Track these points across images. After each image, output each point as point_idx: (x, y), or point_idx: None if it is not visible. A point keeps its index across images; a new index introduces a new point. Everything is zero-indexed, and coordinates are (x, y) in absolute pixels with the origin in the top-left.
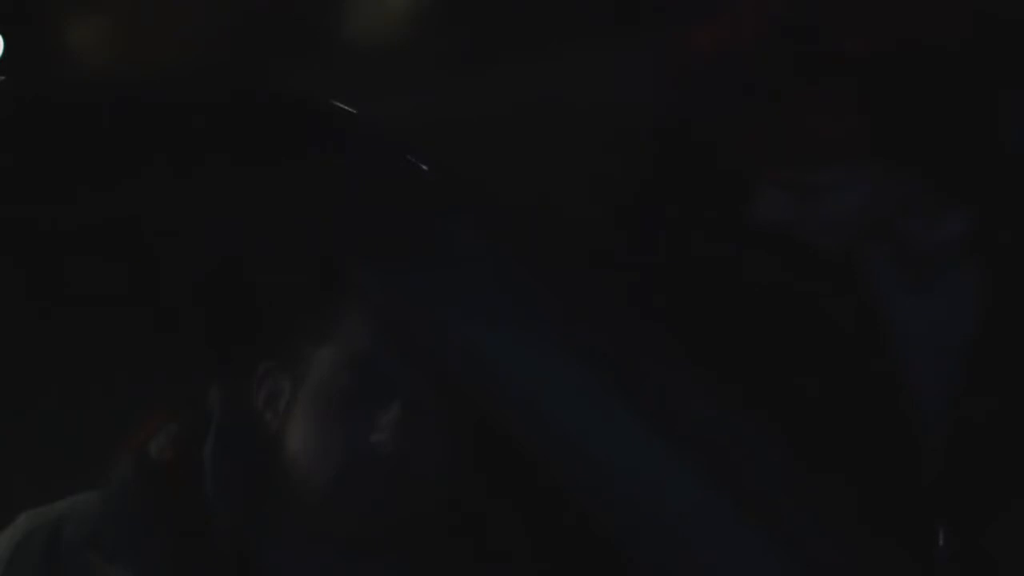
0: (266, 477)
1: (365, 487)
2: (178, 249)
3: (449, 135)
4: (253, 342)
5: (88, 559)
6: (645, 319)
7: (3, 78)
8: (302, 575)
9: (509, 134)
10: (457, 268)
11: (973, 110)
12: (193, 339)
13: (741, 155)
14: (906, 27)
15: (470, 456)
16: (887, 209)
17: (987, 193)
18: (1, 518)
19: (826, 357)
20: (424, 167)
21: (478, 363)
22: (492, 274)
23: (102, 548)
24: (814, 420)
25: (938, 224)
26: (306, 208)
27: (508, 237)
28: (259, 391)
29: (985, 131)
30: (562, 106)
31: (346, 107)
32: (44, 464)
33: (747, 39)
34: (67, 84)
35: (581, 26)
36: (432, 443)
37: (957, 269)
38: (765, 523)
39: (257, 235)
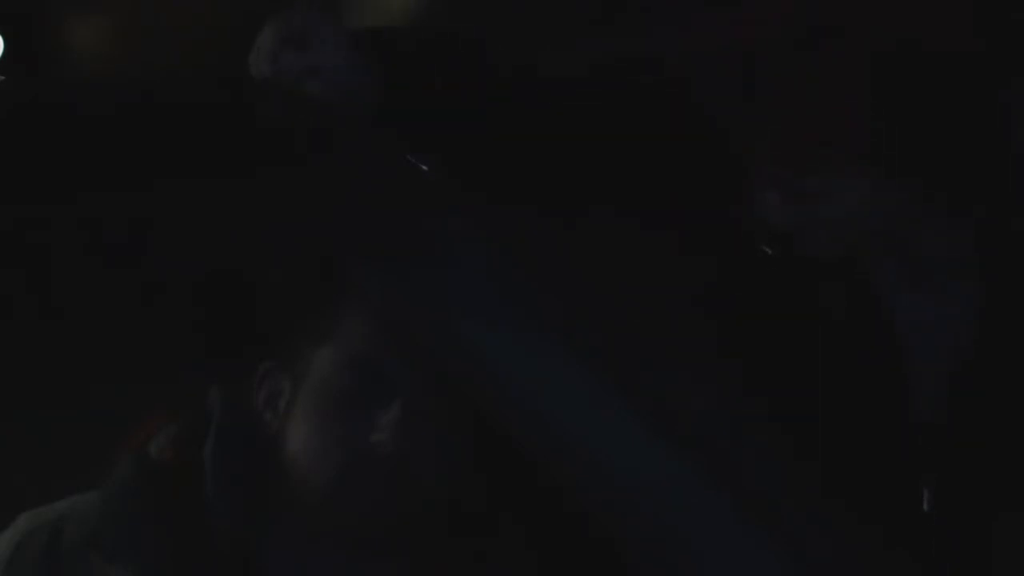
0: (266, 477)
1: (365, 487)
2: (178, 249)
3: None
4: (253, 342)
5: (88, 559)
6: (645, 319)
7: (3, 78)
8: (302, 575)
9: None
10: (457, 268)
11: (975, 113)
12: (193, 339)
13: (739, 153)
14: (908, 28)
15: (470, 456)
16: (885, 218)
17: (989, 197)
18: (1, 518)
19: (828, 359)
20: (424, 167)
21: (478, 363)
22: (492, 274)
23: (102, 548)
24: (815, 421)
25: (941, 231)
26: (306, 208)
27: (508, 237)
28: (259, 391)
29: (987, 134)
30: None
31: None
32: (44, 464)
33: (752, 36)
34: (67, 84)
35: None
36: (432, 443)
37: (959, 273)
38: (765, 523)
39: (257, 235)
